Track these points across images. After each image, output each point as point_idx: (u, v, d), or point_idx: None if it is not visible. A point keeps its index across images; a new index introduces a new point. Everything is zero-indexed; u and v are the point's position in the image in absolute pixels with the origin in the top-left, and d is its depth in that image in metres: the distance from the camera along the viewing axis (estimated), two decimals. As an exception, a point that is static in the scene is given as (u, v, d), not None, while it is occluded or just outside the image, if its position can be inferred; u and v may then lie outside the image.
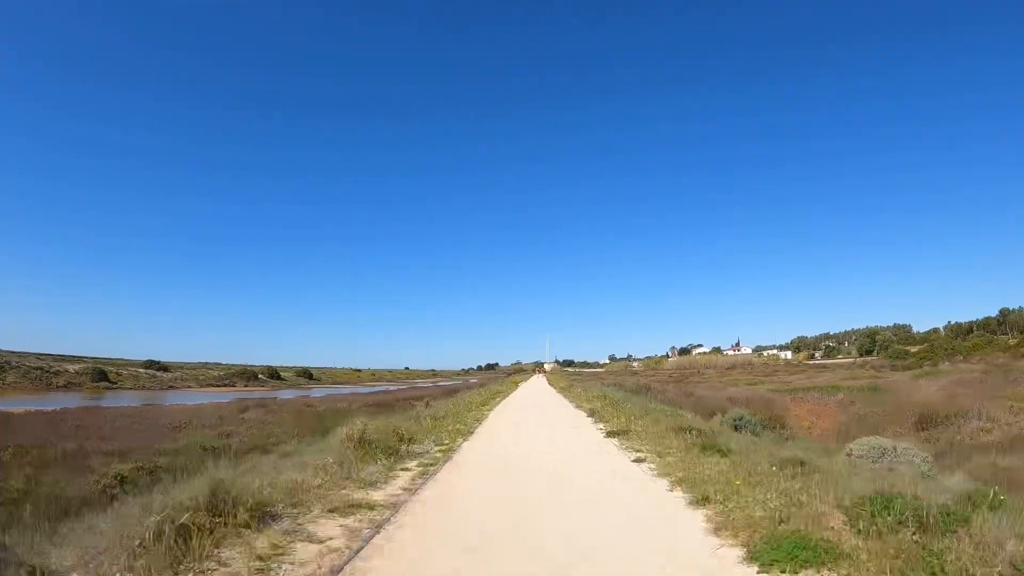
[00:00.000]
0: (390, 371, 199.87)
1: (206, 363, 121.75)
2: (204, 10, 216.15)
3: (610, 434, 13.32)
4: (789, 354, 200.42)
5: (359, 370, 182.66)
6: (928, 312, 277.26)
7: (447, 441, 12.20)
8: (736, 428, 18.11)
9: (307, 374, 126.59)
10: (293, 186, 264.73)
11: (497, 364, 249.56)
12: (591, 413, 18.63)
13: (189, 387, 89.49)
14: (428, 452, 10.21)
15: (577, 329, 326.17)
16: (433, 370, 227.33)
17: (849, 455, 10.83)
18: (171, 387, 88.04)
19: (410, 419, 14.79)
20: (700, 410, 22.87)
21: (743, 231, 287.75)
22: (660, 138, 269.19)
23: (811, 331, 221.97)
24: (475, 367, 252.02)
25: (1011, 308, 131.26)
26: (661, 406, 17.03)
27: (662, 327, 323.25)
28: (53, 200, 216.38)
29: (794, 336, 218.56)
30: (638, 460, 9.80)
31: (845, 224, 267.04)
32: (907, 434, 18.13)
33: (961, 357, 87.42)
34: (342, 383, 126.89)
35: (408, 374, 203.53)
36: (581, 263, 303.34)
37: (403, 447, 9.69)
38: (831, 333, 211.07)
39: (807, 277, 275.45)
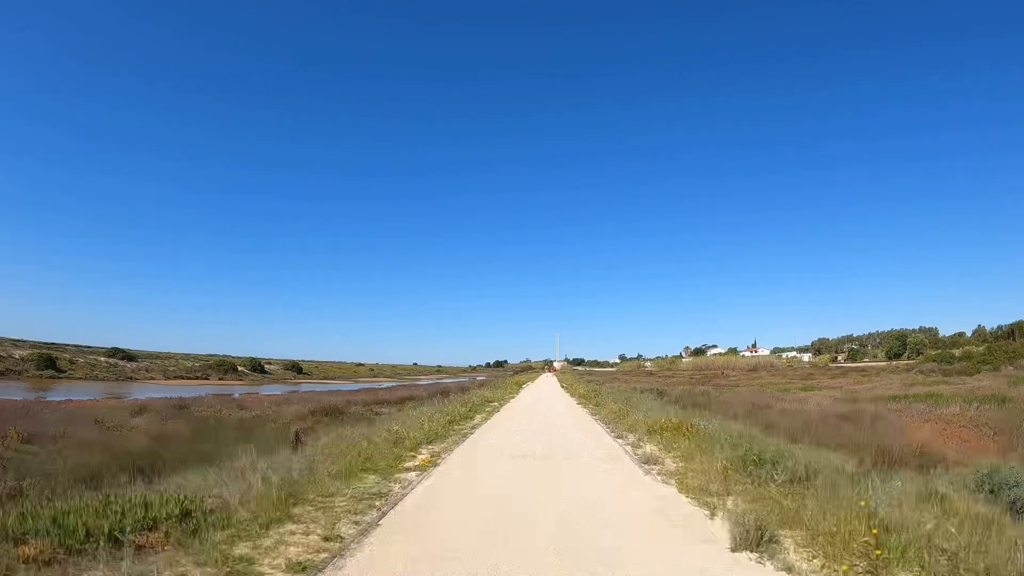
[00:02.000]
0: (393, 366, 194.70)
1: (188, 353, 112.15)
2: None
3: None
4: (809, 356, 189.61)
5: (361, 364, 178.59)
6: (946, 315, 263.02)
7: None
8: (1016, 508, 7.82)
9: (296, 368, 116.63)
10: (305, 181, 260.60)
11: (506, 362, 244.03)
12: (739, 536, 5.40)
13: (152, 379, 79.86)
14: None
15: (586, 328, 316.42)
16: (439, 366, 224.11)
17: None
18: (131, 378, 78.41)
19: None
20: (845, 444, 12.58)
21: (753, 233, 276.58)
22: (674, 141, 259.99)
23: (825, 333, 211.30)
24: (484, 364, 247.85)
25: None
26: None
27: (673, 327, 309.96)
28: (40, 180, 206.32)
29: (813, 338, 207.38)
30: None
31: (858, 227, 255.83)
32: None
33: (1025, 362, 77.23)
34: (333, 378, 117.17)
35: (412, 370, 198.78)
36: (591, 262, 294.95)
37: None
38: (854, 335, 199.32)
39: (820, 279, 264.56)
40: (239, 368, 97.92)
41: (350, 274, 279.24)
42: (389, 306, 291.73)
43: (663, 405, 18.53)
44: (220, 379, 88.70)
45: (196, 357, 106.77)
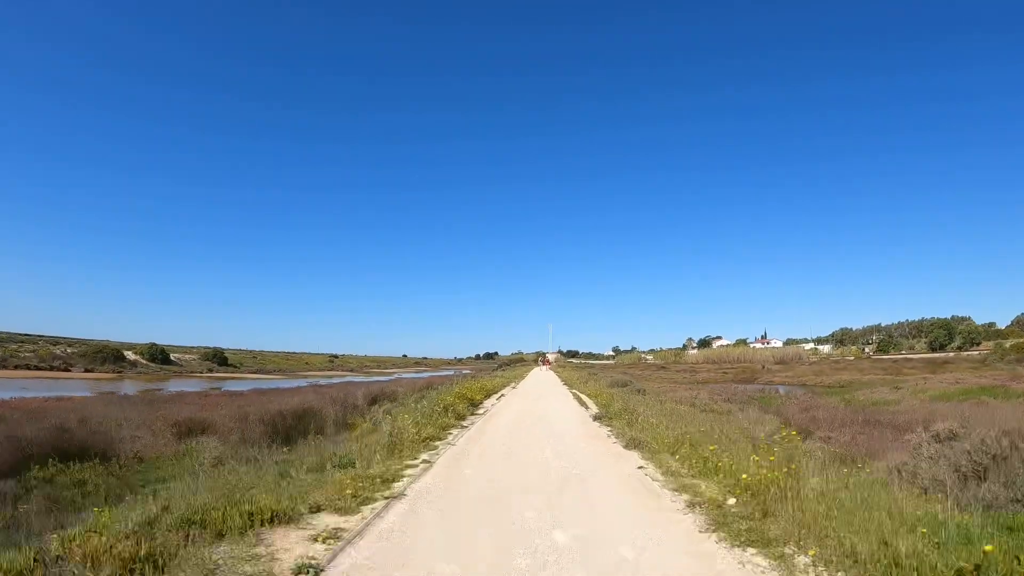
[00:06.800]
0: (361, 358, 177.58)
1: (70, 338, 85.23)
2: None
3: None
4: (828, 348, 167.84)
5: (334, 356, 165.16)
6: (957, 306, 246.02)
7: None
8: None
9: (218, 358, 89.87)
10: (300, 174, 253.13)
11: (496, 353, 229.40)
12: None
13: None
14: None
15: (578, 321, 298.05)
16: (424, 358, 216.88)
17: None
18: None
19: None
20: None
21: (752, 223, 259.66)
22: (668, 134, 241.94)
23: (832, 324, 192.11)
24: (474, 356, 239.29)
25: None
26: None
27: (667, 318, 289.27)
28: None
29: (820, 329, 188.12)
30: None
31: (865, 218, 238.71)
32: None
33: None
34: (269, 372, 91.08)
35: (389, 362, 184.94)
36: (583, 254, 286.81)
37: None
38: (882, 325, 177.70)
39: (826, 270, 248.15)
40: (129, 356, 71.64)
41: (344, 267, 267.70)
42: (381, 298, 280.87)
43: None
44: (87, 370, 62.66)
45: (81, 343, 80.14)
